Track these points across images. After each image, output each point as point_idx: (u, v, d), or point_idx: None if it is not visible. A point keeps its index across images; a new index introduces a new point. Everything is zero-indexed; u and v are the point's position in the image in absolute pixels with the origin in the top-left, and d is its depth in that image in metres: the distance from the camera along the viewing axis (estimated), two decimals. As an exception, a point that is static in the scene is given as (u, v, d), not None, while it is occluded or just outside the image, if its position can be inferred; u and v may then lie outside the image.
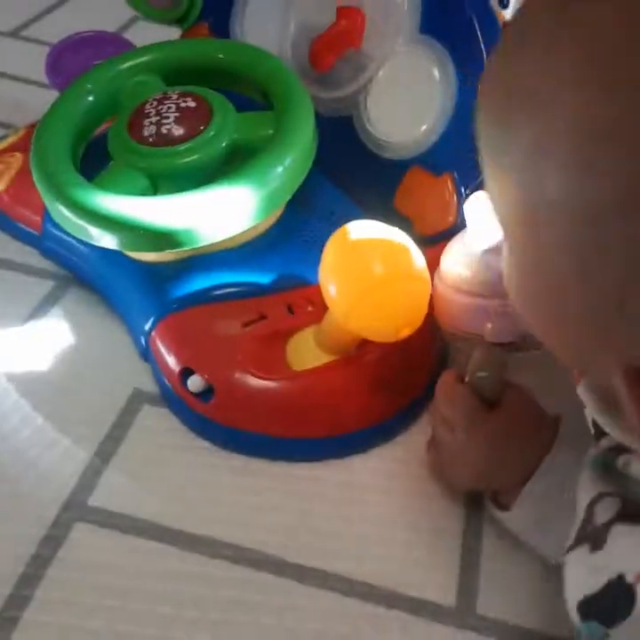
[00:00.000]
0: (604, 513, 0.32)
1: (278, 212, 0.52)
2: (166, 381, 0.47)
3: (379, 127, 0.52)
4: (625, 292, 0.25)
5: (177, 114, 0.47)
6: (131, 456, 0.46)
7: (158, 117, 0.47)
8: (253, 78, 0.51)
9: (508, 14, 0.81)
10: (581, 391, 0.34)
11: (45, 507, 0.43)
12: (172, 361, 0.47)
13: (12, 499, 0.44)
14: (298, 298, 0.48)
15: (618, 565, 0.30)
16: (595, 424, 0.34)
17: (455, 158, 0.49)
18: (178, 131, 0.47)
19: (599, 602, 0.30)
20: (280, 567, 0.42)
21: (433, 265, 0.45)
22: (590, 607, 0.31)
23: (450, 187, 0.49)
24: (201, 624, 0.39)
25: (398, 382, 0.48)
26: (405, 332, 0.43)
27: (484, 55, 0.48)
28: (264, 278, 0.49)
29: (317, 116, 0.51)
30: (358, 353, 0.46)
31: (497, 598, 0.42)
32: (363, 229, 0.42)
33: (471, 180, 0.49)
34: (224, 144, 0.48)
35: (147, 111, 0.48)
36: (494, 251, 0.42)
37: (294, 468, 0.46)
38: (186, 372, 0.46)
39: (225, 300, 0.48)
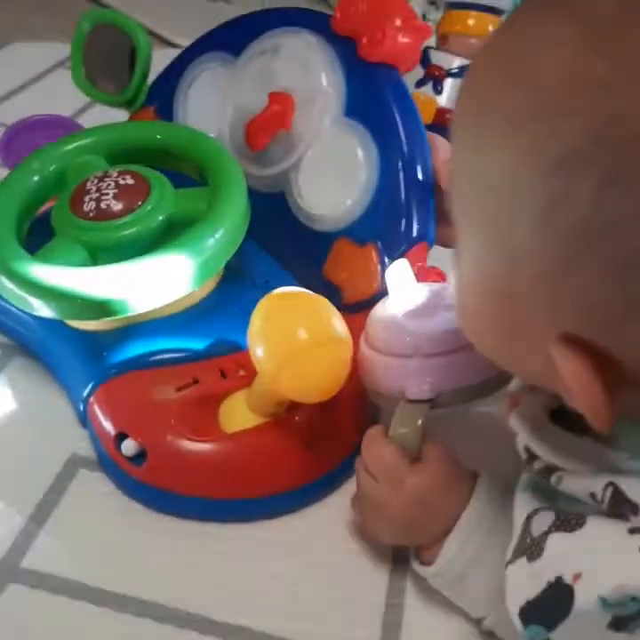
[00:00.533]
0: (539, 525, 0.33)
1: (214, 282, 0.54)
2: (102, 446, 0.49)
3: (308, 201, 0.55)
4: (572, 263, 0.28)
5: (116, 190, 0.50)
6: (65, 519, 0.47)
7: (98, 194, 0.50)
8: (190, 157, 0.54)
9: (442, 101, 0.87)
10: (513, 421, 0.37)
11: (-22, 568, 0.44)
12: (107, 425, 0.48)
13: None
14: (230, 362, 0.50)
15: (556, 568, 0.31)
16: (526, 450, 0.36)
17: (378, 229, 0.52)
18: (116, 206, 0.49)
19: (539, 605, 0.32)
20: (206, 625, 0.43)
21: (359, 330, 0.48)
22: (531, 611, 0.32)
23: (373, 256, 0.52)
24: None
25: (329, 442, 0.49)
26: (330, 394, 0.44)
27: (402, 136, 0.52)
28: (198, 344, 0.51)
29: (253, 191, 0.54)
30: (288, 415, 0.48)
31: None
32: (287, 296, 0.45)
33: (395, 249, 0.51)
34: (161, 218, 0.50)
35: (88, 188, 0.50)
36: (411, 314, 0.45)
37: (225, 529, 0.47)
38: (120, 437, 0.48)
39: (160, 366, 0.50)
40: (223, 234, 0.49)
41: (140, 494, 0.48)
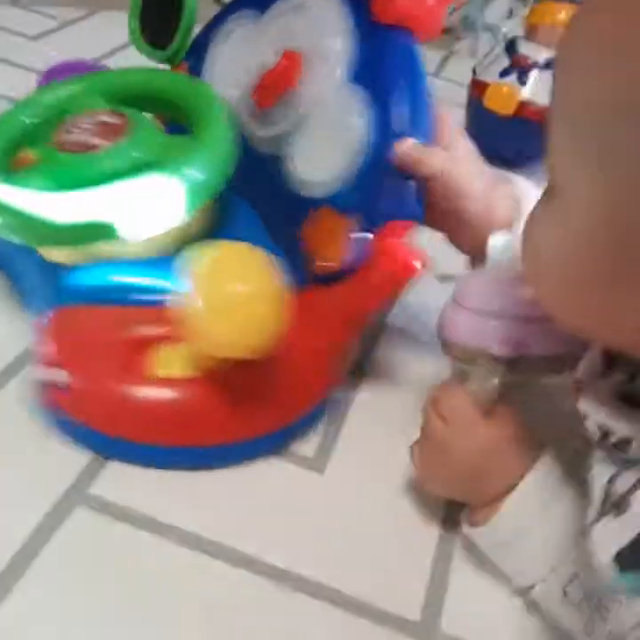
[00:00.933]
0: (624, 484, 0.34)
1: (191, 231, 0.52)
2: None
3: (298, 165, 0.52)
4: None
5: (95, 126, 0.50)
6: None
7: (78, 128, 0.50)
8: (182, 104, 0.53)
9: (525, 92, 0.81)
10: (583, 405, 0.38)
11: None
12: (45, 350, 0.47)
13: None
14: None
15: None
16: (600, 428, 0.37)
17: (361, 202, 0.49)
18: (91, 140, 0.49)
19: (633, 550, 0.32)
20: (262, 567, 0.44)
21: (325, 306, 0.49)
22: (625, 557, 0.33)
23: (348, 228, 0.49)
24: None
25: (274, 398, 0.48)
26: (257, 350, 0.43)
27: (402, 110, 0.48)
28: (151, 290, 0.49)
29: (256, 152, 0.53)
30: (226, 369, 0.46)
31: (462, 617, 0.44)
32: (224, 250, 0.43)
33: (375, 223, 0.48)
34: (135, 155, 0.49)
35: (72, 122, 0.51)
36: (507, 278, 0.46)
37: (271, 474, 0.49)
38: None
39: (113, 304, 0.49)
40: (205, 163, 0.48)
41: (64, 426, 0.47)
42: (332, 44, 0.52)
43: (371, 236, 0.48)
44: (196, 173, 0.48)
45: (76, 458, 0.47)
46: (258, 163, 0.56)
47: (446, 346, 0.48)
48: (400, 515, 0.48)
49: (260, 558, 0.44)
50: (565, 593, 0.40)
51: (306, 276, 0.51)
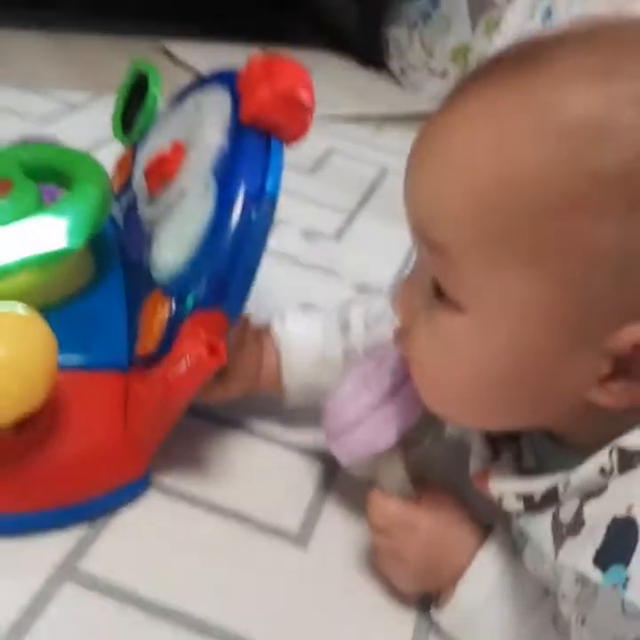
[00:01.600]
0: (568, 511, 0.37)
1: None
2: None
3: (153, 249, 0.53)
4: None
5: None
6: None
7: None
8: (67, 173, 0.56)
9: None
10: (496, 489, 0.42)
11: None
12: None
13: None
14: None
15: (607, 515, 0.34)
16: (523, 498, 0.40)
17: (180, 289, 0.49)
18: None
19: (608, 547, 0.33)
20: None
21: (145, 388, 0.49)
22: (604, 555, 0.33)
23: (164, 314, 0.48)
24: None
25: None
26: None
27: (237, 209, 0.49)
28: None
29: (143, 232, 0.54)
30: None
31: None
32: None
33: (183, 311, 0.48)
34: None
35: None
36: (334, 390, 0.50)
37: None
38: None
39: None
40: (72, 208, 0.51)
41: None
42: (208, 140, 0.53)
43: (184, 323, 0.47)
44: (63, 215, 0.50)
45: (65, 535, 0.49)
46: (137, 240, 0.57)
47: (349, 468, 0.51)
48: (377, 594, 0.50)
49: (245, 635, 0.46)
50: None
51: (132, 356, 0.51)
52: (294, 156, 1.22)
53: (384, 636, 0.48)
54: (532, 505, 0.40)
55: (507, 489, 0.41)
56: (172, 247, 0.51)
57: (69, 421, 0.49)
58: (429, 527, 0.46)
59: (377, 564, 0.50)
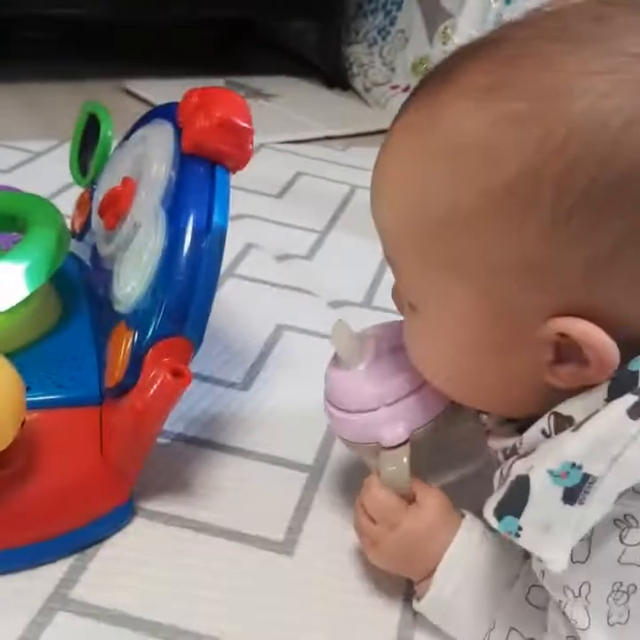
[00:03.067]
0: (505, 469, 0.40)
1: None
2: None
3: (114, 283, 0.55)
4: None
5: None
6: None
7: None
8: (23, 217, 0.58)
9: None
10: (492, 443, 0.45)
11: None
12: None
13: None
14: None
15: (517, 471, 0.37)
16: (503, 451, 0.43)
17: (141, 319, 0.50)
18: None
19: (506, 500, 0.37)
20: None
21: (114, 417, 0.51)
22: (501, 507, 0.37)
23: (128, 344, 0.50)
24: None
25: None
26: None
27: (188, 235, 0.50)
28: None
29: (102, 269, 0.56)
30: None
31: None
32: None
33: (143, 339, 0.50)
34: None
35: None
36: (363, 368, 0.48)
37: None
38: None
39: None
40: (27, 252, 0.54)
41: None
42: (155, 172, 0.55)
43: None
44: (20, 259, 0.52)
45: (54, 566, 0.50)
46: (101, 277, 0.59)
47: (342, 440, 0.51)
48: (362, 595, 0.52)
49: None
50: None
51: (103, 388, 0.53)
52: (262, 182, 1.25)
53: (370, 637, 0.49)
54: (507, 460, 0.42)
55: (494, 444, 0.44)
56: (130, 280, 0.52)
57: (47, 457, 0.50)
58: (409, 530, 0.47)
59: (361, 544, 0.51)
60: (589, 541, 0.37)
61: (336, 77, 1.80)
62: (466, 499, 0.49)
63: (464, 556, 0.46)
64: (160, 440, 0.60)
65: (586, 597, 0.37)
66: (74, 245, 0.69)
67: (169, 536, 0.54)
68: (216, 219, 0.51)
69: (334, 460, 0.62)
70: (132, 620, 0.48)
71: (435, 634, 0.49)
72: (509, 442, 0.42)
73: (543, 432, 0.39)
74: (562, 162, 0.34)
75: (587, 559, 0.37)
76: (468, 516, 0.47)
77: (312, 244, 1.01)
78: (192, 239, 0.50)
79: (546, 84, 0.35)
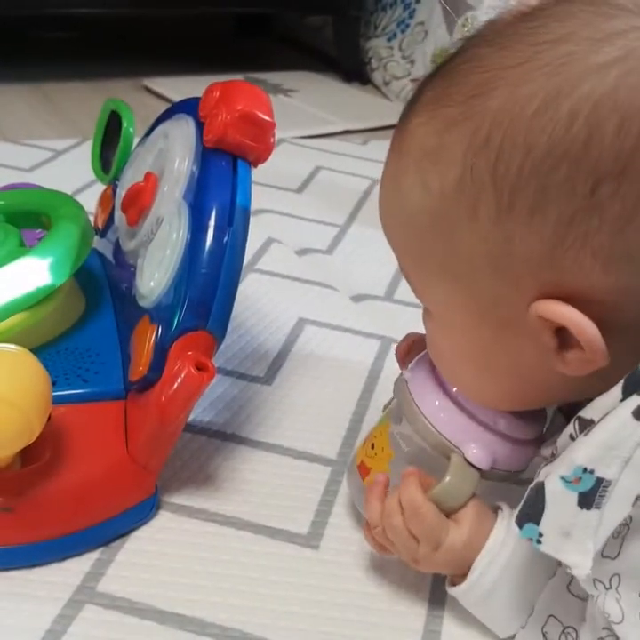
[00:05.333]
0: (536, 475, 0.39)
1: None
2: None
3: (139, 278, 0.55)
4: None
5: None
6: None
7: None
8: (49, 215, 0.58)
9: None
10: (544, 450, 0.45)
11: None
12: None
13: None
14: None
15: (539, 477, 0.38)
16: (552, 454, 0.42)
17: (165, 313, 0.51)
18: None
19: (525, 507, 0.37)
20: None
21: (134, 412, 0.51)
22: (522, 515, 0.37)
23: (151, 338, 0.50)
24: None
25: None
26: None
27: (210, 230, 0.51)
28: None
29: (126, 264, 0.56)
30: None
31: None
32: None
33: (167, 334, 0.50)
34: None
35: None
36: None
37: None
38: None
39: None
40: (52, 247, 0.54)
41: None
42: (178, 167, 0.55)
43: (169, 346, 0.49)
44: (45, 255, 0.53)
45: (81, 559, 0.51)
46: (125, 273, 0.59)
47: (414, 418, 0.48)
48: (388, 584, 0.52)
49: (263, 637, 0.48)
50: (544, 634, 0.44)
51: (128, 382, 0.53)
52: (282, 177, 1.25)
53: (396, 631, 0.49)
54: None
55: (544, 451, 0.45)
56: (154, 275, 0.53)
57: (73, 451, 0.50)
58: (451, 546, 0.45)
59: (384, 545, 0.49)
60: (623, 539, 0.36)
61: (355, 72, 1.79)
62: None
63: (500, 552, 0.45)
64: (184, 434, 0.61)
65: (616, 589, 0.37)
66: (96, 242, 0.70)
67: (193, 529, 0.54)
68: (238, 213, 0.51)
69: (357, 453, 0.62)
70: (159, 614, 0.48)
71: (463, 622, 0.49)
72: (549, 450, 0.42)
73: (571, 437, 0.39)
74: (491, 155, 0.36)
75: (617, 556, 0.37)
76: (505, 511, 0.47)
77: (333, 239, 1.01)
78: (215, 233, 0.50)
79: (471, 86, 0.37)
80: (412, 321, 0.82)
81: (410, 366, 0.50)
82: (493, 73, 0.36)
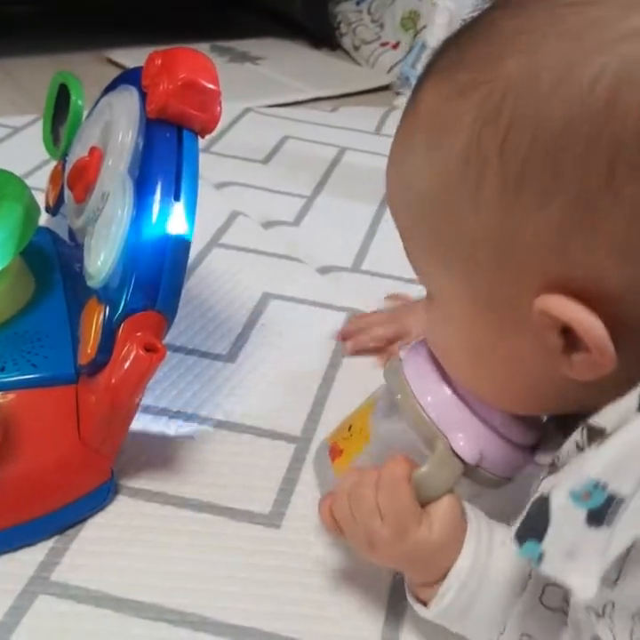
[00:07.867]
0: (535, 486, 0.37)
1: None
2: None
3: (86, 256, 0.53)
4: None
5: None
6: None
7: None
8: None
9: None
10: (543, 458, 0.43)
11: None
12: None
13: None
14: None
15: (541, 490, 0.34)
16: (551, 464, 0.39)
17: (112, 292, 0.49)
18: None
19: (527, 522, 0.34)
20: (223, 628, 0.46)
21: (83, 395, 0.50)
22: (522, 529, 0.34)
23: (99, 319, 0.49)
24: None
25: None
26: None
27: (156, 202, 0.49)
28: None
29: (75, 242, 0.54)
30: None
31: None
32: None
33: (114, 313, 0.48)
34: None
35: None
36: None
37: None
38: None
39: None
40: None
41: None
42: (122, 140, 0.53)
43: (117, 327, 0.48)
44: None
45: (35, 548, 0.49)
46: (76, 252, 0.57)
47: (404, 400, 0.45)
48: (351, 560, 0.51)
49: (223, 621, 0.46)
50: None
51: (77, 366, 0.52)
52: (248, 148, 1.22)
53: (362, 608, 0.48)
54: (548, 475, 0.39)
55: (542, 459, 0.43)
56: (100, 253, 0.51)
57: (23, 439, 0.49)
58: (419, 542, 0.42)
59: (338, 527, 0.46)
60: (622, 561, 0.33)
61: (324, 37, 1.75)
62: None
63: (472, 567, 0.42)
64: (143, 415, 0.59)
65: (610, 617, 0.35)
66: (49, 220, 0.67)
67: (152, 513, 0.53)
68: (185, 185, 0.49)
69: (322, 430, 0.61)
70: (115, 601, 0.47)
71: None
72: (548, 458, 0.40)
73: (577, 445, 0.36)
74: (499, 125, 0.33)
75: (616, 580, 0.34)
76: (474, 522, 0.43)
77: (300, 210, 0.99)
78: (160, 208, 0.48)
79: (484, 52, 0.35)
80: (378, 292, 0.82)
81: (406, 348, 0.48)
82: (509, 38, 0.34)
